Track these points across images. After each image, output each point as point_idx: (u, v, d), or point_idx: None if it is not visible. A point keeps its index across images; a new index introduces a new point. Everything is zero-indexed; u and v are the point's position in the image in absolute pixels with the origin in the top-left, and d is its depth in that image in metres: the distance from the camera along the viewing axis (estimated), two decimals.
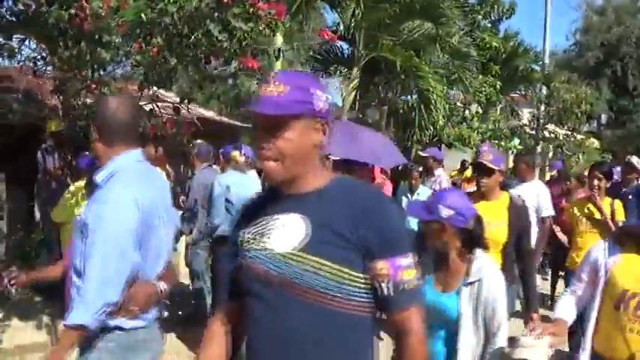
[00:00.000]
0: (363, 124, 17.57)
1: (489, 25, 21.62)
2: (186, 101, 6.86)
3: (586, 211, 6.78)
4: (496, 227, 4.63)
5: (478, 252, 3.47)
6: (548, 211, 7.73)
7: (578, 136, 21.41)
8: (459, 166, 16.18)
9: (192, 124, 7.08)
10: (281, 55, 10.63)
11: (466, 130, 17.80)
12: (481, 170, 4.87)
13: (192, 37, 5.98)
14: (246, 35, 6.16)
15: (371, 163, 6.95)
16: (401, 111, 16.28)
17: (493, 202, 4.85)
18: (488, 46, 19.51)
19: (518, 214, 4.82)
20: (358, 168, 6.57)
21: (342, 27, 15.20)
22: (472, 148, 17.43)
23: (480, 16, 20.48)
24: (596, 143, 30.09)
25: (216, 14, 5.95)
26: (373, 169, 7.39)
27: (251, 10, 6.05)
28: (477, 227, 3.48)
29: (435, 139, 16.28)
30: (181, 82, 8.18)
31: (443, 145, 17.12)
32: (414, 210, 3.67)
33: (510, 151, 20.11)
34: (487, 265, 3.45)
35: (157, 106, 6.95)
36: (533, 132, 20.92)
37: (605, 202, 6.70)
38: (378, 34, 14.68)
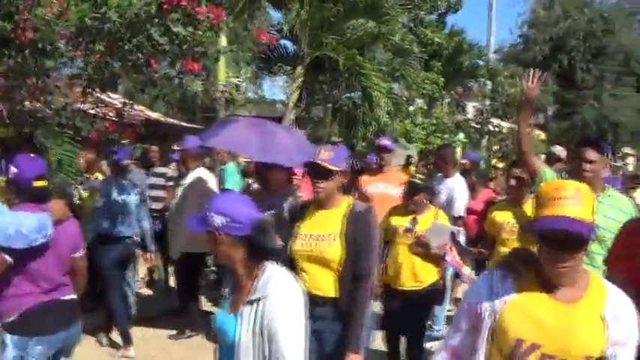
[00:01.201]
0: (307, 122, 18.21)
1: (435, 19, 22.24)
2: (130, 103, 7.23)
3: (509, 216, 5.96)
4: (328, 242, 4.08)
5: (268, 265, 2.98)
6: (462, 210, 7.83)
7: None
8: (403, 162, 16.77)
9: (137, 127, 7.45)
10: (221, 57, 11.03)
11: (410, 125, 18.41)
12: (317, 172, 4.09)
13: (135, 41, 6.29)
14: (186, 38, 6.55)
15: (284, 164, 6.55)
16: (345, 108, 16.76)
17: (330, 211, 4.19)
18: (431, 42, 20.16)
19: (356, 225, 4.09)
20: (274, 170, 6.42)
21: (286, 27, 15.63)
22: (416, 143, 18.07)
23: (422, 12, 21.07)
24: (542, 136, 31.11)
25: (156, 19, 6.26)
26: (291, 170, 6.99)
27: (190, 14, 6.40)
28: (258, 235, 2.94)
29: (378, 135, 16.83)
30: (126, 86, 8.51)
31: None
32: (189, 222, 3.11)
33: (456, 145, 20.83)
34: (276, 280, 2.91)
35: (100, 110, 7.24)
36: (479, 126, 21.70)
37: (528, 205, 5.89)
38: (322, 33, 15.16)
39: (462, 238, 7.81)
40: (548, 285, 2.56)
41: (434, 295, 5.97)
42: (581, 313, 2.54)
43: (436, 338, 7.75)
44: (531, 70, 4.75)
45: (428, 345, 7.28)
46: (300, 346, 2.83)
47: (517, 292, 2.59)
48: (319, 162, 4.03)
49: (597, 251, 4.42)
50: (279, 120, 15.62)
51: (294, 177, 7.12)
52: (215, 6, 8.82)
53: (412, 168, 14.32)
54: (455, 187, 8.00)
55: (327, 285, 4.07)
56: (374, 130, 15.90)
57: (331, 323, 4.07)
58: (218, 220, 2.93)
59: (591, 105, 37.41)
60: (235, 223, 2.93)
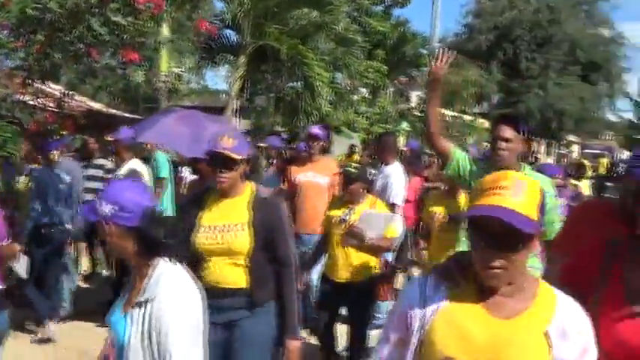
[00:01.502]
0: (250, 112, 18.46)
1: (381, 11, 22.61)
2: (71, 94, 7.37)
3: (441, 208, 6.13)
4: (234, 232, 3.98)
5: (160, 262, 2.80)
6: (398, 198, 7.70)
7: (466, 118, 22.79)
8: (347, 151, 17.14)
9: (78, 117, 7.60)
10: (162, 47, 11.21)
11: (353, 114, 18.75)
12: (220, 161, 3.93)
13: (75, 32, 6.50)
14: (128, 28, 6.74)
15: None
16: (288, 98, 16.97)
17: (233, 200, 4.06)
18: (375, 31, 20.52)
19: (263, 212, 4.01)
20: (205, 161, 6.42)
21: (229, 16, 15.79)
22: (359, 133, 18.45)
23: (367, 2, 21.42)
24: (486, 124, 31.84)
25: (96, 9, 6.46)
26: None
27: (129, 4, 6.56)
28: (149, 226, 2.77)
29: (322, 124, 17.11)
30: (68, 76, 8.62)
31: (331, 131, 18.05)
32: (85, 211, 2.93)
33: (400, 134, 21.29)
34: (165, 280, 2.74)
35: (40, 101, 7.39)
36: (422, 115, 22.16)
37: (462, 197, 6.13)
38: (265, 23, 15.38)
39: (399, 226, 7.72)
40: (485, 295, 2.19)
41: (371, 288, 5.83)
42: (521, 329, 2.17)
43: (380, 326, 7.67)
44: (440, 50, 4.56)
45: (373, 332, 7.46)
46: (190, 348, 2.69)
47: (450, 302, 2.24)
48: (222, 151, 3.88)
49: None
50: (221, 110, 15.85)
51: None
52: None
53: (356, 157, 14.67)
54: (391, 174, 7.90)
55: (236, 276, 3.98)
56: (316, 119, 16.14)
57: (244, 312, 4.00)
58: (106, 209, 2.75)
59: (536, 94, 38.18)
60: (124, 212, 2.74)
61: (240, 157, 3.91)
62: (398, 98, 22.92)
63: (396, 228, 5.94)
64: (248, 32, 15.51)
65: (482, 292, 2.20)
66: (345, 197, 5.92)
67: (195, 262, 3.82)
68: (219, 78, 45.10)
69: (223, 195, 4.05)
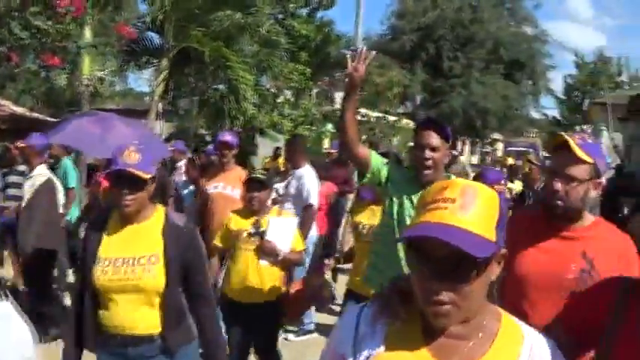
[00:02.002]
0: (174, 115, 18.61)
1: (306, 13, 22.99)
2: None
3: (366, 217, 5.66)
4: (145, 267, 3.43)
5: None
6: (313, 198, 7.58)
7: (391, 118, 23.40)
8: (272, 154, 17.53)
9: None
10: (83, 50, 11.35)
11: (278, 117, 19.09)
12: (123, 180, 3.39)
13: None
14: (49, 32, 6.87)
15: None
16: (212, 100, 17.15)
17: (141, 226, 3.52)
18: (299, 34, 20.87)
19: (178, 242, 3.50)
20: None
21: (150, 18, 15.86)
22: (284, 135, 18.80)
23: (292, 5, 21.77)
24: (411, 124, 32.59)
25: (17, 13, 6.68)
26: None
27: (50, 7, 6.76)
28: None
29: (247, 127, 17.44)
30: None
31: (256, 134, 18.45)
32: None
33: (325, 136, 21.80)
34: None
35: None
36: None
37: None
38: (188, 25, 15.54)
39: (313, 233, 7.78)
40: (432, 335, 1.76)
41: (278, 308, 5.43)
42: None
43: (309, 331, 7.87)
44: (359, 49, 4.21)
45: (300, 339, 7.66)
46: None
47: (386, 348, 1.79)
48: (125, 169, 3.34)
49: None
50: (145, 113, 15.99)
51: None
52: None
53: (281, 159, 15.03)
54: (304, 176, 7.82)
55: (147, 320, 3.47)
56: (241, 122, 16.44)
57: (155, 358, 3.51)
58: None
59: (459, 93, 39.10)
60: None
61: (147, 176, 3.42)
62: (322, 100, 23.33)
63: (301, 238, 5.65)
64: (171, 35, 15.64)
65: (428, 331, 1.77)
66: (251, 207, 5.48)
67: (94, 301, 3.49)
68: (143, 81, 44.75)
69: (128, 220, 3.52)
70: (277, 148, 17.16)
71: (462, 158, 10.29)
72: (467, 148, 56.88)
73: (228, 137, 7.57)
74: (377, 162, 4.34)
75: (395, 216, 4.27)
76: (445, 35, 39.72)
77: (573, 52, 47.34)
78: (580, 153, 2.86)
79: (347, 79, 4.24)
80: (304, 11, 23.13)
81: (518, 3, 43.42)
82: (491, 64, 40.57)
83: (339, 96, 25.20)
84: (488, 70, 40.47)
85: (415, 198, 4.09)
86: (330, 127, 22.03)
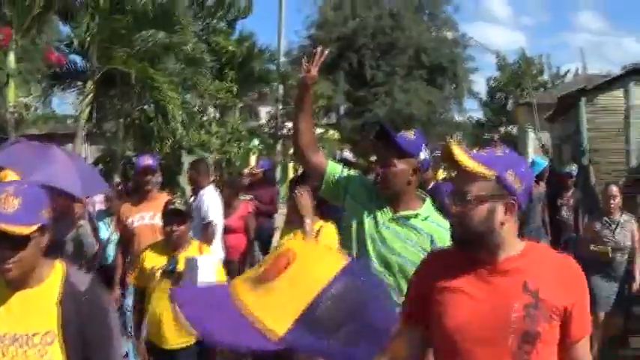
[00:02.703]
0: (100, 138, 18.76)
1: (225, 26, 23.36)
2: None
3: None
4: (38, 348, 2.72)
5: None
6: (212, 215, 7.64)
7: (318, 130, 23.99)
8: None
9: None
10: (9, 80, 11.55)
11: (205, 135, 19.41)
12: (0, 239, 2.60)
13: None
14: None
15: (65, 189, 5.92)
16: (137, 122, 17.40)
17: (32, 293, 2.77)
18: (224, 50, 21.24)
19: (81, 313, 2.79)
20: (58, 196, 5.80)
21: (75, 41, 16.02)
22: (212, 153, 19.17)
23: (214, 21, 22.15)
24: (336, 135, 33.23)
25: None
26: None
27: None
28: None
29: (176, 147, 17.72)
30: None
31: (183, 152, 18.73)
32: None
33: (252, 152, 22.25)
34: None
35: None
36: (273, 131, 23.22)
37: (323, 232, 5.48)
38: (112, 47, 15.71)
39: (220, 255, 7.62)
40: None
41: (209, 350, 4.90)
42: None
43: None
44: (312, 50, 4.17)
45: None
46: None
47: None
48: (3, 225, 2.55)
49: None
50: (68, 137, 16.14)
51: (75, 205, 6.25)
52: (3, 25, 9.43)
53: (211, 178, 15.41)
54: (205, 194, 7.91)
55: None
56: (171, 142, 16.75)
57: None
58: None
59: (383, 101, 39.88)
60: None
61: (29, 230, 2.63)
62: (247, 116, 23.78)
63: (226, 278, 5.19)
64: (95, 57, 15.80)
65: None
66: (168, 241, 5.18)
67: None
68: (68, 105, 44.42)
69: (16, 286, 2.78)
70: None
71: None
72: None
73: (149, 161, 7.21)
74: (333, 172, 4.05)
75: (354, 236, 3.97)
76: (366, 44, 40.36)
77: (495, 53, 48.63)
78: (472, 164, 2.44)
79: (300, 82, 4.22)
80: (223, 25, 23.46)
81: (437, 8, 44.34)
82: (414, 71, 41.32)
83: (264, 111, 25.72)
84: (411, 77, 41.15)
85: (380, 216, 3.92)
86: (256, 143, 22.48)
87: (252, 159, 23.12)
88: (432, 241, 3.86)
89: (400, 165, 3.85)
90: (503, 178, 2.46)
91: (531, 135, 27.90)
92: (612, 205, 8.69)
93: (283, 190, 23.59)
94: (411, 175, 3.91)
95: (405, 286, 3.56)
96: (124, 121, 17.46)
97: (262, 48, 23.65)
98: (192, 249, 5.21)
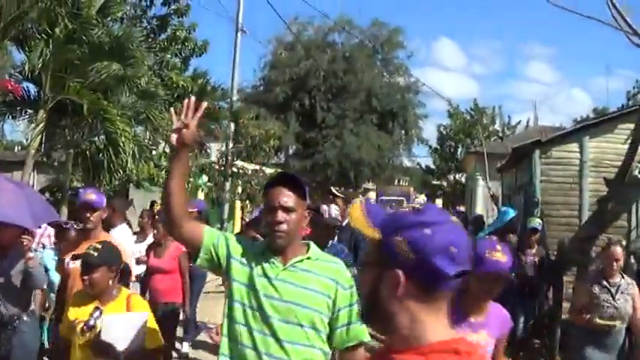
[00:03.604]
0: (48, 168, 18.76)
1: (179, 62, 23.68)
2: None
3: None
4: None
5: None
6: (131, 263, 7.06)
7: (267, 170, 24.30)
8: (149, 207, 17.98)
9: None
10: None
11: (154, 169, 19.53)
12: None
13: None
14: None
15: (18, 222, 6.29)
16: (87, 153, 17.38)
17: None
18: (176, 85, 21.50)
19: None
20: (5, 228, 6.27)
21: (28, 68, 15.88)
22: (160, 187, 19.30)
23: (168, 56, 22.47)
24: None
25: None
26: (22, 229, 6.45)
27: None
28: None
29: (124, 180, 17.82)
30: None
31: (131, 185, 18.88)
32: None
33: (200, 189, 22.46)
34: None
35: None
36: (222, 168, 23.45)
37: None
38: (66, 76, 15.78)
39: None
40: None
41: None
42: None
43: None
44: (186, 101, 3.60)
45: None
46: None
47: None
48: None
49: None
50: (15, 164, 16.14)
51: (24, 237, 6.40)
52: None
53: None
54: (114, 234, 7.68)
55: None
56: (120, 175, 16.80)
57: None
58: None
59: (332, 143, 40.39)
60: None
61: None
62: (197, 152, 24.00)
63: (158, 335, 4.88)
64: (47, 85, 15.82)
65: None
66: (89, 291, 4.79)
67: None
68: (17, 133, 44.02)
69: None
70: (153, 202, 17.44)
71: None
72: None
73: (91, 196, 6.64)
74: (211, 239, 3.73)
75: (246, 301, 3.66)
76: (318, 86, 41.08)
77: (447, 100, 49.66)
78: (359, 222, 2.06)
79: (172, 137, 3.54)
80: (178, 61, 23.78)
81: (390, 53, 45.15)
82: (365, 115, 41.98)
83: (215, 148, 25.95)
84: (362, 120, 41.84)
85: (270, 270, 3.67)
86: (205, 179, 22.69)
87: (201, 195, 23.35)
88: (336, 282, 3.72)
89: (300, 210, 3.73)
90: (384, 243, 1.96)
91: (481, 183, 28.44)
92: (614, 268, 7.87)
93: (229, 227, 23.90)
94: (303, 223, 3.82)
95: (315, 339, 3.65)
96: (74, 152, 17.43)
97: (215, 85, 23.91)
98: (119, 300, 4.81)
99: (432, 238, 1.88)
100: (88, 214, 6.46)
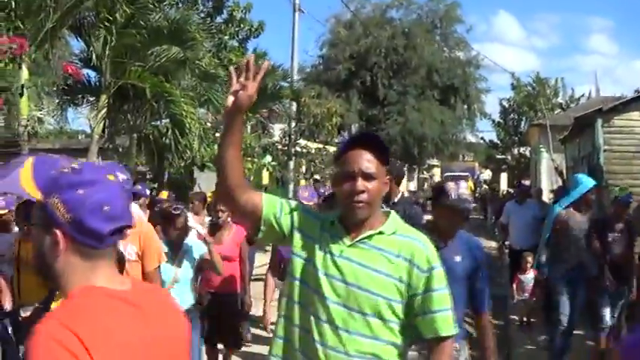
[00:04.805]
0: (112, 153, 18.75)
1: (237, 44, 23.53)
2: None
3: None
4: None
5: None
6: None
7: (330, 149, 24.02)
8: (214, 188, 17.84)
9: None
10: (24, 91, 11.53)
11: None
12: None
13: None
14: None
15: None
16: (150, 137, 17.40)
17: None
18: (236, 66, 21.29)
19: None
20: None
21: (88, 55, 15.97)
22: None
23: (226, 37, 22.29)
24: None
25: None
26: None
27: None
28: None
29: (189, 162, 17.74)
30: None
31: (195, 168, 18.78)
32: None
33: (265, 169, 22.29)
34: None
35: None
36: (286, 148, 23.27)
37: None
38: (126, 61, 15.70)
39: None
40: None
41: None
42: None
43: None
44: (246, 60, 3.09)
45: None
46: None
47: None
48: None
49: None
50: (81, 151, 16.10)
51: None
52: (17, 36, 9.35)
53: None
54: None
55: None
56: (188, 157, 16.74)
57: None
58: None
59: (395, 120, 40.09)
60: None
61: None
62: (260, 132, 23.86)
63: None
64: (108, 71, 15.76)
65: None
66: None
67: None
68: (82, 119, 44.74)
69: None
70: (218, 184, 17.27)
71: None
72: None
73: (138, 187, 6.34)
74: (272, 210, 3.25)
75: (298, 276, 3.23)
76: (379, 63, 40.74)
77: (510, 73, 48.68)
78: (26, 185, 2.32)
79: (228, 100, 3.07)
80: (235, 42, 23.62)
81: (450, 28, 44.56)
82: (426, 90, 41.61)
83: (277, 128, 25.78)
84: (424, 96, 41.49)
85: (335, 246, 3.16)
86: (269, 159, 22.53)
87: (265, 175, 23.23)
88: (409, 262, 3.12)
89: (382, 177, 3.18)
90: (44, 204, 2.01)
91: (545, 156, 27.75)
92: None
93: None
94: (384, 191, 3.25)
95: (381, 330, 3.08)
96: (137, 136, 17.41)
97: (275, 65, 23.66)
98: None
99: (84, 198, 1.94)
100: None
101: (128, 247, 5.82)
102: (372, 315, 3.04)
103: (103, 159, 19.90)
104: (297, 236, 3.23)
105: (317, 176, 22.56)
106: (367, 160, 3.08)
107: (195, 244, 6.79)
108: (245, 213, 3.28)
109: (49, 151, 14.88)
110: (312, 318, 3.09)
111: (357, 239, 3.13)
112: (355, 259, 3.09)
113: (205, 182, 19.03)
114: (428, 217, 5.75)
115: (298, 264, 3.21)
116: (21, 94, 11.02)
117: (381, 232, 3.15)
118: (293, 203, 3.37)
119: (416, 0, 43.22)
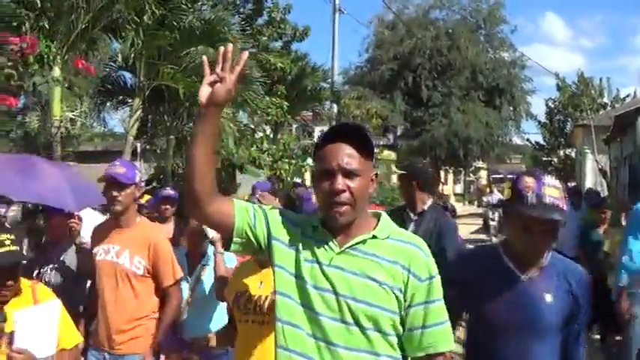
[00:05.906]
0: (151, 155, 18.62)
1: (280, 47, 23.27)
2: None
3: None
4: None
5: None
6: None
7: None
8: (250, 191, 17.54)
9: None
10: (55, 90, 11.36)
11: (256, 152, 19.16)
12: None
13: None
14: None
15: (53, 205, 5.98)
16: (189, 138, 17.09)
17: None
18: (274, 67, 21.05)
19: None
20: (50, 214, 6.00)
21: (121, 57, 15.71)
22: (264, 170, 18.92)
23: (265, 38, 22.01)
24: (393, 155, 32.79)
25: None
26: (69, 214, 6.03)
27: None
28: None
29: (227, 164, 17.48)
30: None
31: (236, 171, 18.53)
32: None
33: (304, 170, 22.01)
34: None
35: None
36: None
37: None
38: (159, 63, 15.46)
39: None
40: None
41: None
42: None
43: None
44: (222, 49, 2.82)
45: None
46: None
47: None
48: None
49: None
50: (120, 153, 15.96)
51: (71, 221, 5.90)
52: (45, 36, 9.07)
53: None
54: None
55: None
56: (222, 158, 16.39)
57: None
58: None
59: (440, 122, 39.52)
60: None
61: None
62: (300, 134, 23.61)
63: (72, 328, 4.07)
64: (142, 73, 15.58)
65: None
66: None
67: None
68: (118, 121, 45.25)
69: None
70: (254, 187, 17.09)
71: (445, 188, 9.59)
72: (450, 177, 57.23)
73: (120, 169, 5.48)
74: (245, 218, 2.80)
75: (291, 294, 2.78)
76: (423, 64, 40.19)
77: (553, 74, 47.77)
78: None
79: (201, 92, 2.74)
80: (278, 44, 23.40)
81: (494, 28, 43.89)
82: (471, 91, 41.02)
83: (318, 130, 25.50)
84: (468, 97, 40.90)
85: (323, 254, 2.74)
86: (309, 160, 22.28)
87: (307, 176, 22.94)
88: (407, 270, 2.71)
89: (367, 173, 2.71)
90: None
91: (589, 157, 27.05)
92: None
93: None
94: (371, 189, 2.79)
95: (381, 345, 2.70)
96: (175, 138, 17.15)
97: (315, 66, 23.37)
98: (24, 296, 3.83)
99: None
100: (115, 193, 5.13)
101: (135, 259, 5.08)
102: (371, 329, 2.68)
103: (145, 162, 19.83)
104: (276, 246, 2.80)
105: None
106: (348, 155, 2.65)
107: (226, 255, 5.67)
108: (214, 223, 2.87)
109: (91, 153, 14.81)
110: (306, 338, 2.69)
111: (348, 245, 2.73)
112: (347, 268, 2.70)
113: (247, 184, 18.76)
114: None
115: (283, 278, 2.77)
116: (48, 93, 10.78)
117: (374, 237, 2.75)
118: (266, 208, 2.88)
119: (459, 0, 42.54)
